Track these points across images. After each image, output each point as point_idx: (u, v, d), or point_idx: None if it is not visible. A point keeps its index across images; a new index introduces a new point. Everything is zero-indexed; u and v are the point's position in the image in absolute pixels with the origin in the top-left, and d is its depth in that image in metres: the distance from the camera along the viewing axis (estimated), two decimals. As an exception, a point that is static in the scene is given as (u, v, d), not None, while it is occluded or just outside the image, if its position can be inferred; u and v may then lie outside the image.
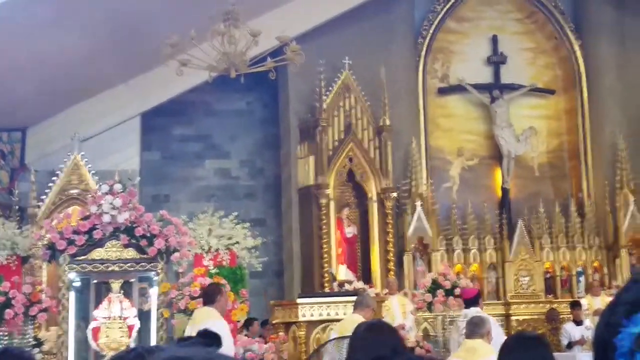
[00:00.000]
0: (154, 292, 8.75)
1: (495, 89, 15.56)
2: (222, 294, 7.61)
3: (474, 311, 8.32)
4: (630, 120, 15.30)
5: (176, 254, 8.70)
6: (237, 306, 8.83)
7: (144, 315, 8.94)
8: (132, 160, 13.25)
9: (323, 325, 9.45)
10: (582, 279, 14.57)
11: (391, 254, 13.66)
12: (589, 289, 13.76)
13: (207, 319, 7.21)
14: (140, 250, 8.71)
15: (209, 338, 6.96)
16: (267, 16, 12.64)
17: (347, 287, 12.38)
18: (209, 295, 7.63)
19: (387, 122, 14.01)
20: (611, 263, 14.71)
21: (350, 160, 13.95)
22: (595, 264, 14.69)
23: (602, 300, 12.86)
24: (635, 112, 15.30)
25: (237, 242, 9.76)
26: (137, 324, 8.38)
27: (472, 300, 8.84)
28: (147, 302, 9.41)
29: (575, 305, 12.70)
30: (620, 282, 14.26)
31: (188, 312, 8.67)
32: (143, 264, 8.78)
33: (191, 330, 7.34)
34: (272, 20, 12.28)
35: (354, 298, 9.92)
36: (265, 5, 12.84)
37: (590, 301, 13.05)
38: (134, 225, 8.67)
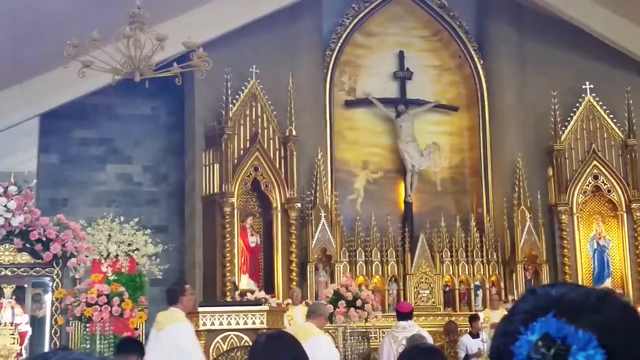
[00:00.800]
0: (48, 298, 8.47)
1: (401, 103, 15.79)
2: (185, 293, 7.43)
3: (409, 323, 9.04)
4: (528, 139, 15.77)
5: (73, 260, 8.46)
6: (135, 314, 8.62)
7: (37, 322, 8.64)
8: (29, 162, 12.81)
9: (224, 334, 9.32)
10: (480, 292, 14.89)
11: (294, 264, 13.65)
12: (490, 302, 14.06)
13: (171, 322, 7.12)
14: (35, 254, 8.43)
15: (130, 346, 6.82)
16: (174, 21, 12.47)
17: (249, 296, 12.26)
18: (172, 296, 7.42)
19: (293, 133, 14.01)
20: (508, 278, 15.09)
21: (256, 169, 13.88)
22: (493, 278, 15.04)
23: (500, 314, 13.16)
24: (533, 131, 15.78)
25: (137, 249, 9.56)
26: (29, 330, 8.09)
27: (407, 314, 9.35)
28: (41, 308, 9.10)
29: (474, 318, 12.95)
30: (516, 296, 14.65)
31: (84, 319, 8.43)
32: (37, 269, 8.50)
33: (155, 334, 7.18)
34: (179, 26, 12.13)
35: (255, 308, 9.88)
36: (172, 10, 12.66)
37: (489, 314, 13.33)
38: (29, 229, 8.39)
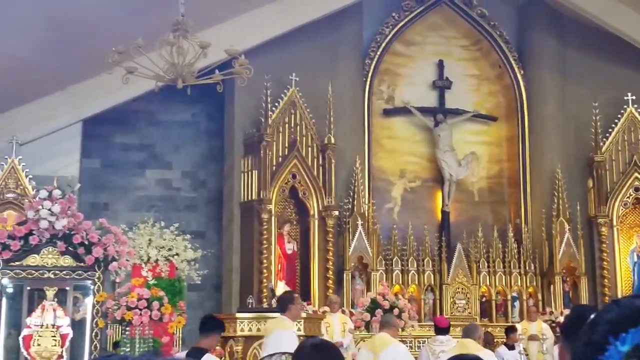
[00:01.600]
0: (89, 301, 8.57)
1: (439, 113, 15.75)
2: (294, 302, 7.79)
3: (447, 338, 9.24)
4: (568, 150, 15.64)
5: (114, 264, 8.54)
6: (174, 318, 8.69)
7: (77, 325, 8.75)
8: (72, 166, 12.99)
9: (260, 340, 9.35)
10: (516, 304, 14.77)
11: (330, 272, 13.66)
12: (527, 314, 13.92)
13: (275, 328, 7.54)
14: (78, 258, 8.53)
15: (213, 324, 7.06)
16: (216, 28, 12.59)
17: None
18: (281, 304, 7.86)
19: (332, 141, 14.05)
20: (545, 289, 14.95)
21: (294, 176, 13.93)
22: (530, 289, 14.91)
23: (538, 326, 13.06)
24: (573, 143, 15.65)
25: (177, 254, 9.64)
26: (70, 333, 8.19)
27: (444, 330, 9.57)
28: (79, 311, 9.22)
29: (511, 329, 12.83)
30: (553, 308, 14.51)
31: (124, 323, 8.52)
32: (79, 272, 8.60)
33: (266, 341, 7.61)
34: (221, 33, 12.24)
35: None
36: (214, 17, 12.79)
37: (526, 326, 13.22)
38: (72, 233, 8.49)
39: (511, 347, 12.52)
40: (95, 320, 8.52)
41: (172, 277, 9.46)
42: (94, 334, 8.55)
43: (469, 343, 7.94)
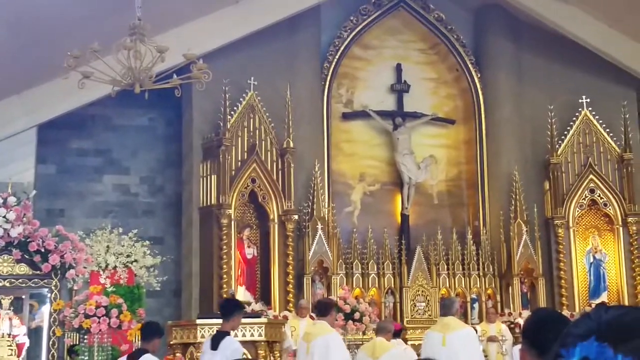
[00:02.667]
0: (46, 309, 8.43)
1: (398, 116, 15.82)
2: (334, 307, 8.32)
3: (397, 341, 9.74)
4: (525, 153, 15.81)
5: (71, 271, 8.43)
6: (133, 326, 8.58)
7: (33, 333, 8.60)
8: (27, 173, 12.79)
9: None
10: (476, 305, 14.88)
11: (291, 276, 13.63)
12: (486, 316, 14.02)
13: (322, 332, 7.85)
14: (34, 266, 8.40)
15: (233, 304, 7.23)
16: (174, 32, 12.48)
17: (245, 308, 12.23)
18: (324, 309, 8.16)
19: (291, 145, 14.02)
20: (504, 291, 15.08)
21: (253, 181, 13.87)
22: (489, 291, 15.04)
23: (497, 327, 13.16)
24: (530, 145, 15.83)
25: (136, 260, 9.53)
26: (26, 342, 8.05)
27: (397, 332, 10.09)
28: (35, 319, 9.07)
29: None
30: (512, 309, 14.65)
31: (82, 331, 8.38)
32: (36, 280, 8.47)
33: (305, 345, 7.95)
34: (178, 37, 12.14)
35: (252, 320, 9.85)
36: (172, 21, 12.69)
37: (485, 328, 13.32)
38: (27, 240, 8.36)
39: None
40: (53, 328, 8.39)
41: (130, 284, 9.34)
42: (51, 342, 8.42)
43: (450, 321, 8.29)
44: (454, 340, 8.13)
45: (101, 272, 9.24)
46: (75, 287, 8.95)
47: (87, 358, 8.49)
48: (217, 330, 7.45)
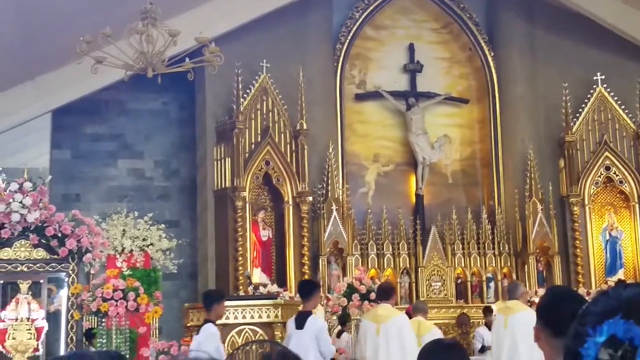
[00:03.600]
0: (64, 293, 8.50)
1: (411, 96, 15.76)
2: (395, 291, 9.05)
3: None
4: (539, 131, 15.73)
5: (88, 255, 8.49)
6: (150, 308, 8.65)
7: (52, 317, 8.68)
8: (42, 158, 12.87)
9: (239, 328, 9.35)
10: (492, 284, 14.88)
11: (306, 258, 13.67)
12: (502, 294, 14.02)
13: (392, 315, 8.48)
14: (51, 250, 8.46)
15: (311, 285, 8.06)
16: (186, 16, 12.48)
17: (261, 290, 12.30)
18: (386, 293, 8.75)
19: (304, 126, 14.02)
20: (520, 270, 15.06)
21: (267, 163, 13.89)
22: (505, 270, 15.02)
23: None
24: (544, 123, 15.74)
25: (152, 244, 9.58)
26: (45, 326, 8.13)
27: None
28: (53, 303, 9.16)
29: (488, 310, 12.91)
30: (527, 288, 14.63)
31: (100, 314, 8.46)
32: (53, 264, 8.54)
33: (375, 326, 8.40)
34: (190, 21, 12.13)
35: (270, 301, 9.91)
36: (183, 5, 12.68)
37: (502, 306, 13.28)
38: (44, 225, 8.42)
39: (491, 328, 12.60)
40: (71, 312, 8.46)
41: (147, 267, 9.41)
42: (69, 326, 8.49)
43: (512, 304, 8.91)
44: (514, 322, 8.67)
45: (118, 256, 9.31)
46: (92, 271, 9.02)
47: (105, 341, 8.57)
48: (299, 311, 8.11)
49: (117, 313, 8.45)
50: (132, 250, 9.37)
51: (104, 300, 8.43)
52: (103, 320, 8.61)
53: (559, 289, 5.08)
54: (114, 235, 9.43)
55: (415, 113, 15.58)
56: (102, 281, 8.81)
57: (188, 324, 9.54)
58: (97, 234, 8.73)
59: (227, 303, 8.94)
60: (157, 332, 10.55)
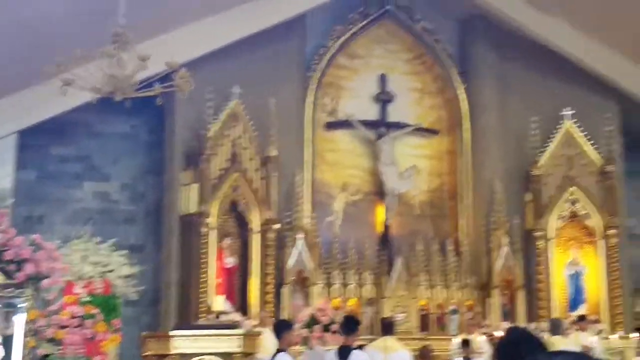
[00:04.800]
0: (20, 319, 8.37)
1: (382, 126, 15.84)
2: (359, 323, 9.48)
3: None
4: (507, 164, 15.84)
5: (46, 281, 8.37)
6: (108, 337, 8.54)
7: (6, 343, 8.55)
8: (6, 179, 12.72)
9: (197, 358, 9.25)
10: (455, 317, 14.89)
11: (270, 286, 13.60)
12: (466, 327, 14.03)
13: (399, 348, 9.30)
14: (8, 275, 8.34)
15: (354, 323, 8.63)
16: (158, 40, 12.45)
17: (224, 318, 12.22)
18: (390, 327, 9.69)
19: (274, 153, 14.01)
20: (484, 302, 15.09)
21: (235, 189, 13.85)
22: (469, 302, 15.05)
23: (475, 338, 13.16)
24: (512, 156, 15.86)
25: (113, 270, 9.48)
26: (2, 352, 8.00)
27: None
28: (8, 329, 9.00)
29: (466, 343, 12.82)
30: (491, 321, 14.66)
31: (55, 342, 8.33)
32: (10, 289, 8.41)
33: (382, 356, 9.15)
34: (162, 45, 12.11)
35: (229, 331, 9.81)
36: (156, 29, 12.66)
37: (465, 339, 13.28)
38: (3, 249, 8.31)
39: (468, 360, 12.59)
40: (26, 339, 8.33)
41: (107, 294, 9.30)
42: (25, 352, 8.36)
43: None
44: None
45: (76, 282, 9.21)
46: (50, 297, 8.89)
47: (61, 369, 8.43)
48: (342, 345, 8.84)
49: (73, 341, 8.34)
50: (92, 276, 9.28)
51: (60, 327, 8.31)
52: (59, 347, 8.48)
53: (518, 330, 5.11)
54: (74, 261, 9.33)
55: (385, 143, 15.65)
56: (59, 307, 8.69)
57: (145, 353, 9.43)
58: (57, 259, 8.63)
59: (184, 332, 8.89)
60: (116, 360, 10.40)
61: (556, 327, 10.26)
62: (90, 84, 9.31)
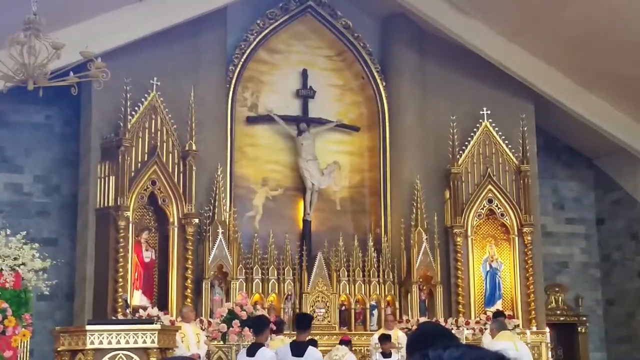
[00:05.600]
0: None
1: (303, 122, 15.80)
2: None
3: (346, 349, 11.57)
4: (427, 162, 16.01)
5: (-47, 274, 8.04)
6: (18, 332, 8.24)
7: None
8: None
9: (112, 353, 9.02)
10: (375, 312, 14.97)
11: (189, 281, 13.39)
12: (385, 322, 14.13)
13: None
14: None
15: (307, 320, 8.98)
16: (73, 28, 12.13)
17: (141, 313, 11.97)
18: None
19: (193, 147, 13.80)
20: (403, 298, 15.22)
21: (153, 183, 13.59)
22: (389, 298, 15.15)
23: (395, 334, 13.26)
24: (432, 154, 16.03)
25: (24, 264, 9.16)
26: None
27: (346, 342, 12.26)
28: None
29: (385, 338, 12.91)
30: (410, 316, 14.80)
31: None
32: None
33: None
34: (78, 33, 11.80)
35: (145, 326, 9.61)
36: (71, 17, 12.32)
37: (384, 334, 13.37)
38: None
39: (387, 355, 12.66)
40: None
41: (17, 288, 8.98)
42: None
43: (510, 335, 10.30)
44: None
45: (-15, 276, 8.86)
46: (-43, 291, 8.54)
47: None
48: (294, 341, 9.15)
49: (-19, 336, 8.02)
50: (1, 269, 8.94)
51: (-32, 322, 7.99)
52: (-34, 343, 8.14)
53: (429, 325, 5.11)
54: (-17, 254, 8.98)
55: (306, 138, 15.61)
56: (-33, 302, 8.35)
57: (59, 349, 9.14)
58: (-36, 252, 8.29)
59: (99, 327, 8.65)
60: (27, 356, 10.06)
61: (501, 325, 10.49)
62: (0, 72, 9.02)
